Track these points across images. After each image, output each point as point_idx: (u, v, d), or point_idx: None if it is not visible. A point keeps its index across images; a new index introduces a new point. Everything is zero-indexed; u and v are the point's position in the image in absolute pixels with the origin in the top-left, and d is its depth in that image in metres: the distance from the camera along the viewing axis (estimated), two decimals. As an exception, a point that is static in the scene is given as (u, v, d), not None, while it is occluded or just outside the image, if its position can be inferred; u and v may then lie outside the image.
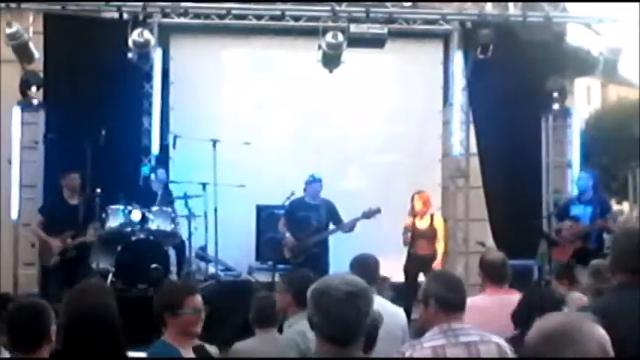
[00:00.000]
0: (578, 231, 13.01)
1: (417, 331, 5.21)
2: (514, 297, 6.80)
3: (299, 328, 6.25)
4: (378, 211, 12.81)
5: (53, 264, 12.56)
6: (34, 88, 13.86)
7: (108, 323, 4.17)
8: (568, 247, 13.05)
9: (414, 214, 13.21)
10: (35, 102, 14.01)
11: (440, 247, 13.40)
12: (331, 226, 13.11)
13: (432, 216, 13.41)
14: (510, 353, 4.93)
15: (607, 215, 13.16)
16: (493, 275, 6.91)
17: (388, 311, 5.40)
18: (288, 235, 13.05)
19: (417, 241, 13.16)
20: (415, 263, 12.96)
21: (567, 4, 15.01)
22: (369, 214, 12.83)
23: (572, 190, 13.48)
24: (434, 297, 5.05)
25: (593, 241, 12.95)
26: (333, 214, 13.11)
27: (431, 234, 13.30)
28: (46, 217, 12.82)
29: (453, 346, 4.83)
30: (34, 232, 13.07)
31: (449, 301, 5.04)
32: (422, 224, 13.25)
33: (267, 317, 7.45)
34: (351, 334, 3.64)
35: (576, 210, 13.21)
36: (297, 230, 13.03)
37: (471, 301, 6.93)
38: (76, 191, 12.73)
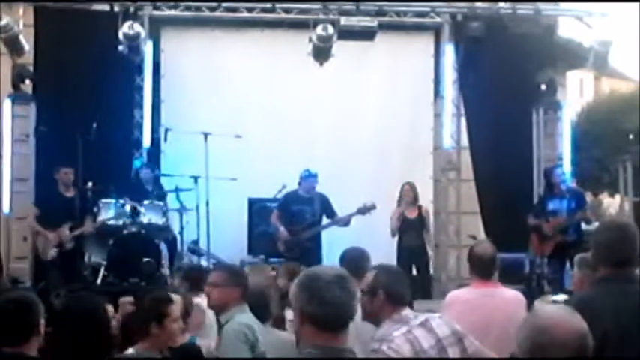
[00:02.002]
0: (557, 225, 13.10)
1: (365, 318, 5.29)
2: (499, 290, 6.83)
3: (241, 320, 6.31)
4: (374, 207, 12.84)
5: (51, 257, 12.57)
6: (26, 81, 13.83)
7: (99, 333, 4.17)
8: (550, 242, 13.15)
9: (410, 203, 13.25)
10: (27, 95, 13.99)
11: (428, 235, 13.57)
12: (325, 220, 13.11)
13: (419, 207, 13.44)
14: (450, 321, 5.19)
15: (585, 207, 13.42)
16: (480, 268, 6.90)
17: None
18: (282, 228, 13.06)
19: (407, 231, 13.19)
20: (407, 255, 12.99)
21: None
22: (364, 210, 12.86)
23: (559, 185, 13.44)
24: (383, 289, 5.14)
25: (572, 234, 13.08)
26: (327, 208, 13.12)
27: (420, 225, 13.35)
28: (43, 210, 12.83)
29: (415, 328, 4.98)
30: (30, 226, 13.09)
31: (398, 294, 5.17)
32: (411, 214, 13.28)
33: (260, 311, 7.43)
34: (345, 317, 3.67)
35: (553, 205, 13.30)
36: (291, 224, 13.04)
37: (455, 294, 7.00)
38: (70, 185, 12.76)
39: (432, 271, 14.27)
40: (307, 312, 3.64)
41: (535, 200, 14.38)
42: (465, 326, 5.29)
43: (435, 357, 4.88)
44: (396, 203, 13.34)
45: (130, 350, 5.46)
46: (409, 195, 13.32)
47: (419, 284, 12.83)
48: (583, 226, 13.46)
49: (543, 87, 14.76)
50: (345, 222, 13.00)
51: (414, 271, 13.05)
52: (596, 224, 15.90)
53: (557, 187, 13.23)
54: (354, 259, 7.16)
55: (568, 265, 12.07)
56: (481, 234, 14.55)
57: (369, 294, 5.18)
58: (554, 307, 3.31)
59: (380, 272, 5.28)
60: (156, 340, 5.60)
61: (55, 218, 12.76)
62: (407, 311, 5.14)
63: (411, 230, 13.21)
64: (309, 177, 13.06)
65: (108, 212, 12.85)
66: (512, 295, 6.93)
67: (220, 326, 6.37)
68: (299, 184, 13.17)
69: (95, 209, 12.71)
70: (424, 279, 13.40)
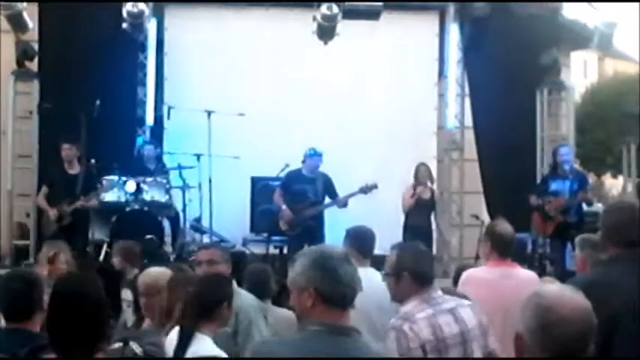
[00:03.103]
0: (559, 205, 13.06)
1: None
2: (515, 270, 6.82)
3: (247, 294, 6.58)
4: (375, 186, 12.83)
5: (52, 233, 12.56)
6: (29, 58, 13.81)
7: (94, 311, 4.16)
8: (551, 222, 13.13)
9: (420, 183, 13.26)
10: (29, 72, 13.97)
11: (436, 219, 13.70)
12: (327, 200, 13.11)
13: (431, 188, 13.48)
14: (479, 312, 5.15)
15: (586, 188, 13.35)
16: (501, 247, 6.87)
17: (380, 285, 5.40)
18: (284, 207, 13.04)
19: (416, 211, 13.20)
20: (412, 234, 12.99)
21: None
22: (365, 190, 12.84)
23: (562, 164, 13.42)
24: (407, 270, 5.12)
25: (573, 214, 13.03)
26: (329, 188, 13.10)
27: (431, 205, 13.39)
28: (50, 188, 12.85)
29: (441, 314, 4.97)
30: (37, 203, 13.11)
31: (423, 274, 5.14)
32: (425, 195, 13.30)
33: (261, 289, 7.44)
34: (355, 294, 3.71)
35: (556, 185, 13.25)
36: (293, 202, 13.02)
37: (472, 272, 6.97)
38: (73, 161, 12.74)
39: (434, 251, 14.29)
40: (321, 290, 3.65)
41: (539, 180, 14.37)
42: (482, 305, 5.33)
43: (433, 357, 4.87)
44: (400, 182, 13.33)
45: (200, 336, 5.36)
46: (426, 175, 13.37)
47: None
48: (585, 207, 13.43)
49: (547, 67, 14.71)
50: (343, 202, 12.98)
51: None
52: (598, 205, 16.00)
53: (561, 166, 13.20)
54: (359, 238, 7.16)
55: (570, 246, 12.05)
56: (484, 214, 14.59)
57: (393, 276, 5.17)
58: (558, 286, 3.30)
59: (402, 253, 5.25)
60: (223, 322, 5.53)
61: (58, 195, 12.76)
62: (436, 293, 5.14)
63: (421, 210, 13.22)
64: (314, 155, 13.02)
65: (111, 189, 12.85)
66: (528, 275, 6.94)
67: None
68: (303, 162, 13.13)
69: (98, 186, 12.68)
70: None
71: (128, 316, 6.79)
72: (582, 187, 13.19)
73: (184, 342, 5.20)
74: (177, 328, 5.35)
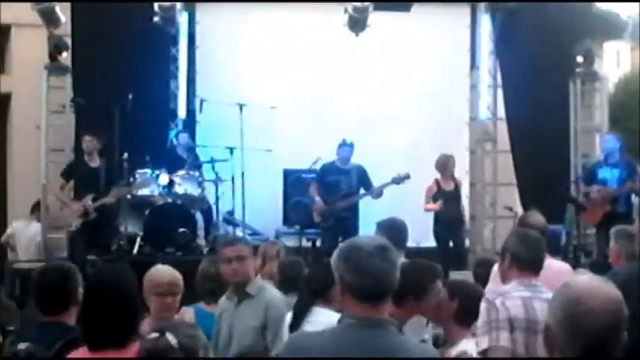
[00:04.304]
0: (606, 194, 12.88)
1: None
2: (547, 262, 6.77)
3: (275, 289, 6.67)
4: (408, 176, 12.80)
5: (76, 227, 12.59)
6: (62, 53, 13.89)
7: (126, 305, 4.18)
8: (597, 211, 12.94)
9: (449, 175, 13.21)
10: (62, 66, 14.05)
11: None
12: (362, 191, 13.09)
13: (454, 178, 13.41)
14: None
15: (634, 177, 13.05)
16: None
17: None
18: (317, 198, 13.04)
19: (445, 203, 13.14)
20: (444, 227, 12.96)
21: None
22: (398, 180, 12.81)
23: (601, 153, 13.32)
24: (510, 253, 5.33)
25: (622, 204, 12.83)
26: (363, 179, 13.08)
27: (457, 196, 13.33)
28: (67, 180, 12.85)
29: (538, 300, 5.05)
30: (55, 195, 13.10)
31: (523, 258, 5.29)
32: (448, 186, 13.23)
33: (293, 282, 7.45)
34: (384, 287, 3.64)
35: (603, 173, 13.05)
36: (327, 194, 13.01)
37: None
38: (93, 154, 12.70)
39: (467, 242, 14.25)
40: (347, 282, 3.64)
41: (572, 171, 14.29)
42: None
43: None
44: (432, 173, 13.27)
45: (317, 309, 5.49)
46: (451, 167, 13.31)
47: (454, 256, 12.83)
48: (633, 198, 13.20)
49: (580, 58, 14.62)
50: (378, 193, 12.96)
51: (450, 243, 13.03)
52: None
53: (605, 153, 13.04)
54: (391, 229, 7.14)
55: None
56: (517, 205, 14.52)
57: (500, 255, 5.44)
58: (587, 278, 3.28)
59: (512, 236, 5.48)
60: (333, 301, 5.52)
61: (80, 189, 12.74)
62: (537, 281, 5.25)
63: (449, 202, 13.15)
64: (344, 146, 13.01)
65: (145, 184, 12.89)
66: (561, 267, 6.90)
67: (244, 297, 6.35)
68: (336, 153, 13.12)
69: (131, 179, 12.71)
70: (460, 250, 13.38)
71: None
72: (631, 176, 12.84)
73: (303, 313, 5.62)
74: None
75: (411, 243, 7.60)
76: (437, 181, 13.18)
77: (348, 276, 3.63)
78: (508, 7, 14.12)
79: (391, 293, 3.68)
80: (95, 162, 12.69)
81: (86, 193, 12.51)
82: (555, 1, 14.42)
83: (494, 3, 14.85)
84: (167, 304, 5.95)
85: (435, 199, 12.97)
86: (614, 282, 3.14)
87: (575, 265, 10.97)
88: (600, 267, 10.19)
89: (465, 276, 8.65)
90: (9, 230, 14.48)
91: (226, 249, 6.51)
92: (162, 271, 6.15)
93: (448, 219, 13.03)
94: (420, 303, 5.24)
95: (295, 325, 5.63)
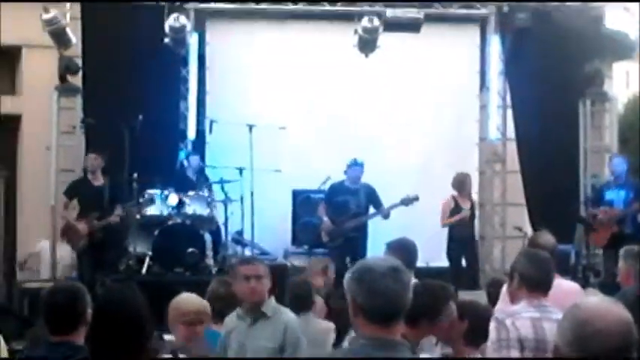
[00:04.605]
0: (613, 215, 12.91)
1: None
2: (557, 281, 6.75)
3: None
4: (416, 198, 12.83)
5: (82, 247, 12.64)
6: (72, 73, 13.94)
7: (134, 325, 4.19)
8: (604, 232, 12.97)
9: (466, 194, 13.25)
10: (72, 87, 14.10)
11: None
12: (371, 211, 13.10)
13: (470, 197, 13.44)
14: None
15: None
16: None
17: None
18: (325, 218, 13.06)
19: (459, 222, 13.16)
20: (457, 246, 12.99)
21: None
22: (407, 201, 12.84)
23: (610, 175, 13.33)
24: (519, 273, 5.34)
25: (629, 225, 12.85)
26: (373, 199, 13.10)
27: (472, 215, 13.36)
28: (70, 199, 12.92)
29: (548, 321, 5.06)
30: (61, 216, 13.16)
31: (532, 279, 5.30)
32: (465, 204, 13.25)
33: (303, 301, 7.46)
34: (396, 309, 3.62)
35: (610, 195, 13.10)
36: (336, 214, 13.03)
37: None
38: (97, 172, 12.78)
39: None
40: (358, 302, 3.63)
41: (582, 191, 14.28)
42: None
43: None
44: (442, 193, 13.29)
45: None
46: (469, 185, 13.37)
47: (467, 275, 12.83)
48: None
49: (590, 79, 14.63)
50: (386, 213, 12.98)
51: (463, 262, 13.05)
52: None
53: (613, 175, 13.07)
54: (401, 250, 7.14)
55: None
56: (526, 226, 14.50)
57: (508, 276, 5.44)
58: (597, 299, 3.28)
59: (521, 256, 5.46)
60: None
61: (85, 208, 12.82)
62: (547, 302, 5.26)
63: (464, 221, 13.18)
64: (354, 165, 13.03)
65: (153, 203, 12.92)
66: (570, 287, 6.89)
67: (259, 317, 6.34)
68: (345, 173, 13.14)
69: (141, 200, 12.75)
70: (473, 270, 13.37)
71: None
72: (638, 197, 12.91)
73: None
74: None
75: (420, 263, 7.60)
76: (454, 198, 13.22)
77: (361, 297, 3.63)
78: (518, 25, 14.12)
79: (404, 314, 3.68)
80: (99, 180, 12.78)
81: (90, 211, 12.58)
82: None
83: (503, 22, 14.86)
84: (196, 332, 5.93)
85: (452, 215, 13.04)
86: (624, 302, 3.14)
87: (585, 285, 10.96)
88: (609, 287, 10.18)
89: (477, 296, 8.63)
90: (37, 249, 14.47)
91: (244, 267, 6.52)
92: (190, 300, 6.11)
93: (462, 238, 13.07)
94: (433, 325, 5.22)
95: (337, 343, 5.65)
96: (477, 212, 13.94)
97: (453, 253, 13.02)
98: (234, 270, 6.67)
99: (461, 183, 13.25)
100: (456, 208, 13.15)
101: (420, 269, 7.58)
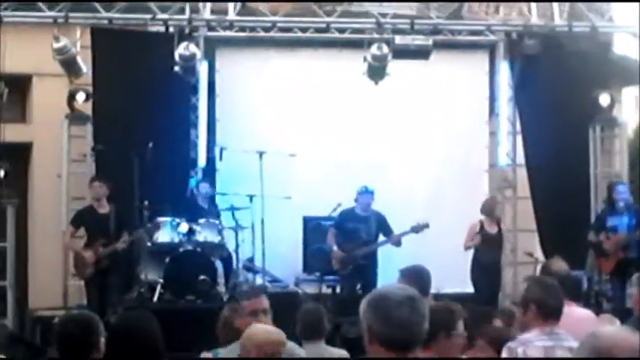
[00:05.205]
0: (618, 241, 12.95)
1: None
2: (570, 308, 6.72)
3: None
4: (427, 225, 12.84)
5: (88, 275, 12.69)
6: (82, 102, 14.01)
7: (151, 352, 4.19)
8: (611, 259, 13.02)
9: (494, 219, 13.28)
10: (83, 115, 14.16)
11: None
12: (381, 238, 13.11)
13: (498, 222, 13.45)
14: None
15: None
16: None
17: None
18: (335, 246, 13.08)
19: (486, 247, 13.17)
20: (482, 271, 13.00)
21: (614, 14, 14.83)
22: (417, 229, 12.86)
23: (619, 202, 13.32)
24: (535, 303, 5.29)
25: (634, 250, 12.88)
26: (383, 226, 13.12)
27: (499, 240, 13.37)
28: (76, 228, 12.98)
29: (561, 349, 5.07)
30: (67, 244, 13.22)
31: (549, 307, 5.30)
32: (492, 229, 13.27)
33: (314, 329, 7.43)
34: (413, 337, 3.63)
35: (613, 221, 13.15)
36: (346, 241, 13.04)
37: None
38: (102, 200, 12.85)
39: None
40: (374, 330, 3.63)
41: (592, 217, 14.25)
42: None
43: None
44: (452, 220, 13.31)
45: None
46: (498, 210, 13.44)
47: (485, 300, 12.80)
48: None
49: (600, 104, 14.63)
50: (396, 241, 12.99)
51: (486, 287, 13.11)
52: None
53: (618, 203, 13.10)
54: (415, 277, 7.14)
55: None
56: (538, 251, 14.48)
57: (520, 306, 5.38)
58: (614, 328, 3.28)
59: (532, 285, 5.40)
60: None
61: (91, 236, 12.89)
62: (559, 329, 5.26)
63: (490, 245, 13.22)
64: (365, 193, 13.07)
65: (164, 231, 12.94)
66: (583, 313, 6.86)
67: None
68: (355, 200, 13.17)
69: (151, 227, 12.79)
70: (493, 295, 13.33)
71: None
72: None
73: None
74: None
75: (432, 289, 7.58)
76: (481, 222, 13.25)
77: (377, 324, 3.62)
78: (527, 52, 14.15)
79: (420, 343, 3.67)
80: (104, 208, 12.84)
81: (96, 239, 12.63)
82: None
83: (512, 48, 14.89)
84: None
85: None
86: (637, 329, 3.14)
87: (598, 311, 10.91)
88: (619, 312, 10.16)
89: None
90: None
91: (251, 302, 6.33)
92: (268, 332, 5.83)
93: (487, 263, 13.09)
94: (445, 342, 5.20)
95: None
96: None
97: (476, 278, 13.07)
98: (236, 305, 6.47)
99: (490, 208, 13.36)
100: (481, 233, 13.20)
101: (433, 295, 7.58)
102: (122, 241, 12.68)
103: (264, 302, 6.29)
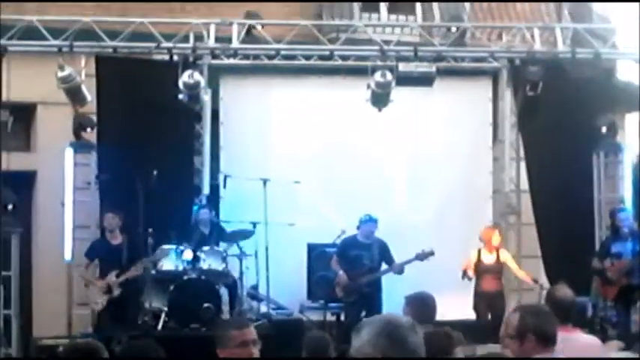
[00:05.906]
0: (622, 267, 12.95)
1: None
2: (575, 336, 6.70)
3: None
4: (432, 253, 12.85)
5: (101, 305, 12.71)
6: (87, 130, 14.04)
7: None
8: (615, 286, 13.01)
9: (489, 248, 13.29)
10: (87, 143, 14.18)
11: (520, 273, 13.93)
12: (384, 266, 13.10)
13: (497, 251, 13.43)
14: None
15: None
16: (560, 312, 6.79)
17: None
18: (341, 273, 13.07)
19: (484, 276, 13.17)
20: (483, 300, 12.98)
21: (617, 41, 14.86)
22: (422, 256, 12.86)
23: (622, 228, 13.32)
24: (533, 332, 5.19)
25: (637, 277, 12.87)
26: (385, 254, 13.13)
27: (498, 269, 13.35)
28: (91, 260, 13.11)
29: None
30: (81, 276, 13.28)
31: (548, 333, 5.23)
32: (489, 259, 13.25)
33: (320, 356, 7.42)
34: None
35: (617, 247, 13.15)
36: (350, 269, 13.04)
37: None
38: (115, 231, 12.94)
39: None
40: (390, 358, 3.65)
41: (597, 243, 14.23)
42: None
43: None
44: (457, 246, 13.32)
45: None
46: (496, 239, 13.44)
47: (487, 328, 12.76)
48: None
49: (603, 130, 14.63)
50: (399, 269, 12.99)
51: (489, 317, 13.08)
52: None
53: (621, 229, 13.10)
54: (421, 304, 7.13)
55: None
56: (542, 278, 14.44)
57: (516, 338, 5.23)
58: (622, 355, 3.28)
59: (526, 315, 5.32)
60: None
61: (104, 267, 13.07)
62: (557, 354, 5.25)
63: (488, 275, 13.22)
64: (369, 221, 13.07)
65: (168, 258, 12.94)
66: (589, 340, 6.82)
67: None
68: (358, 228, 13.17)
69: (155, 255, 12.79)
70: (495, 323, 13.30)
71: None
72: None
73: None
74: None
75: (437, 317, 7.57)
76: (479, 252, 13.26)
77: (393, 352, 3.64)
78: (530, 78, 14.17)
79: None
80: (117, 239, 12.94)
81: (110, 270, 12.70)
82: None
83: (515, 75, 14.91)
84: None
85: (475, 269, 13.12)
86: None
87: (603, 338, 10.88)
88: (624, 338, 10.16)
89: (495, 349, 8.59)
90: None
91: (241, 332, 5.97)
92: None
93: (486, 292, 13.08)
94: None
95: None
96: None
97: (479, 307, 13.06)
98: (223, 336, 6.20)
99: (486, 236, 13.39)
100: (478, 263, 13.20)
101: (438, 323, 7.55)
102: (134, 269, 12.72)
103: (253, 332, 5.98)
